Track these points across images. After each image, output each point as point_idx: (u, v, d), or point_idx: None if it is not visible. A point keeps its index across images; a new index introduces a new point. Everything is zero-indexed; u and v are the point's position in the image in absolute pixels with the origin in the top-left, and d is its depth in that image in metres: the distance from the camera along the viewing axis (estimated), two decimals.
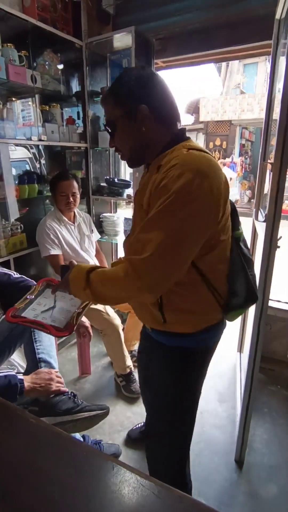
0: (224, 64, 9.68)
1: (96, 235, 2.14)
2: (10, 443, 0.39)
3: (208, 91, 9.96)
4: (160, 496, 0.30)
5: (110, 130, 0.85)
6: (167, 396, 0.95)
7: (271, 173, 1.15)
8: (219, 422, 1.64)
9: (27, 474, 0.35)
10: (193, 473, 1.08)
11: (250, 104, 8.94)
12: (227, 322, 0.96)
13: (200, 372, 0.96)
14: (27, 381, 0.97)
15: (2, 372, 0.93)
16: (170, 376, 0.93)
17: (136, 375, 1.84)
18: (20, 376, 0.96)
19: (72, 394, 1.05)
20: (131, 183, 2.23)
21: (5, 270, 1.31)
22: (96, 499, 0.31)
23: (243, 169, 10.59)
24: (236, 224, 0.88)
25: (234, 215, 0.88)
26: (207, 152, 0.77)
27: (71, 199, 1.86)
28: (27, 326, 0.98)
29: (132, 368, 1.85)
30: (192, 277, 0.80)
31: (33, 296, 1.07)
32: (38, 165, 2.31)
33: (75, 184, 1.88)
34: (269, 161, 1.54)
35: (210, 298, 0.84)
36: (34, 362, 1.14)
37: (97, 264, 2.05)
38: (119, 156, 0.90)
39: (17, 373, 0.99)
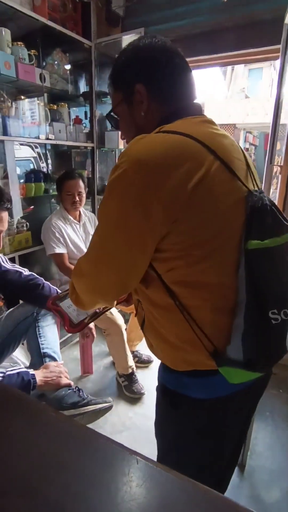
0: (229, 67, 9.72)
1: None
2: (33, 438, 0.39)
3: (213, 95, 9.94)
4: (185, 490, 0.30)
5: (112, 121, 0.73)
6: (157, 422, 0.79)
7: (280, 175, 1.16)
8: None
9: (51, 468, 0.35)
10: None
11: (254, 108, 8.96)
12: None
13: (187, 428, 0.68)
14: (39, 376, 0.98)
15: (14, 370, 0.93)
16: (157, 407, 0.77)
17: (138, 375, 1.84)
18: (31, 372, 0.96)
19: (77, 388, 1.06)
20: None
21: (17, 267, 1.31)
22: (121, 492, 0.31)
23: None
24: (255, 231, 0.56)
25: (253, 218, 0.57)
26: (193, 138, 0.55)
27: (77, 198, 1.87)
28: (55, 315, 0.97)
29: (134, 368, 1.84)
30: (163, 299, 0.61)
31: None
32: (44, 164, 2.32)
33: (81, 183, 1.89)
34: (275, 164, 1.55)
35: (190, 333, 0.60)
36: (39, 357, 1.16)
37: None
38: None
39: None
